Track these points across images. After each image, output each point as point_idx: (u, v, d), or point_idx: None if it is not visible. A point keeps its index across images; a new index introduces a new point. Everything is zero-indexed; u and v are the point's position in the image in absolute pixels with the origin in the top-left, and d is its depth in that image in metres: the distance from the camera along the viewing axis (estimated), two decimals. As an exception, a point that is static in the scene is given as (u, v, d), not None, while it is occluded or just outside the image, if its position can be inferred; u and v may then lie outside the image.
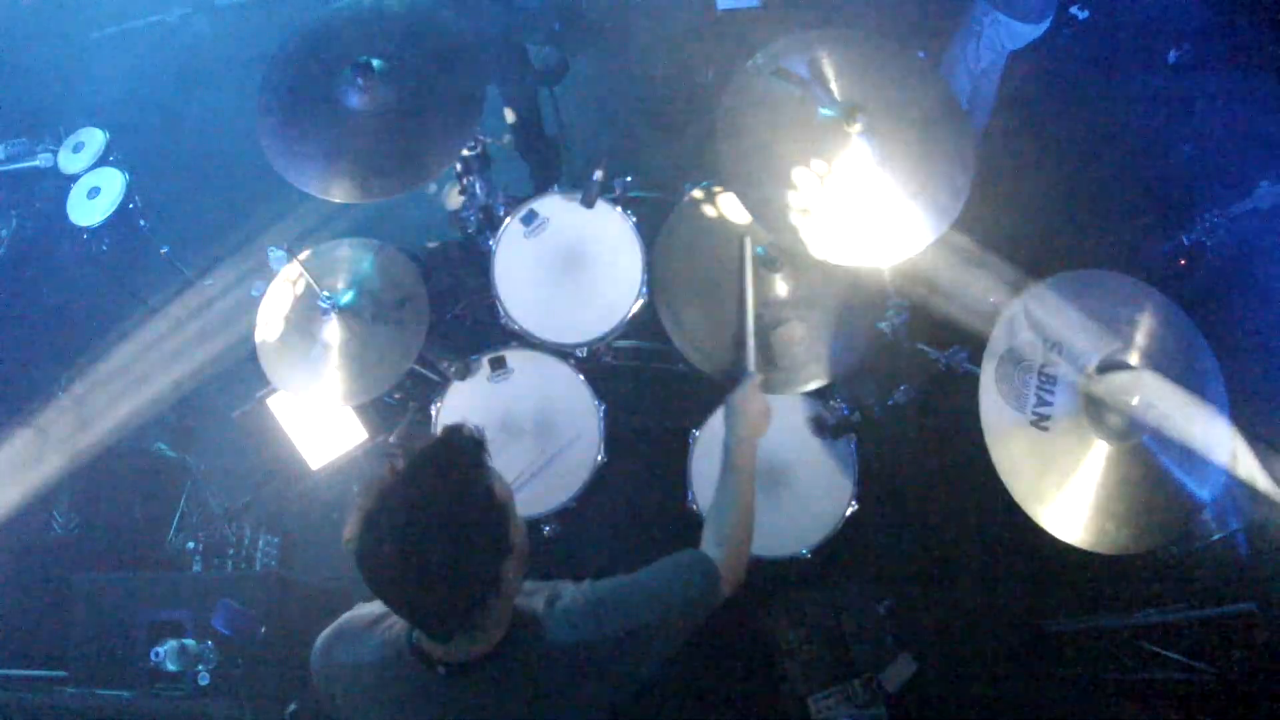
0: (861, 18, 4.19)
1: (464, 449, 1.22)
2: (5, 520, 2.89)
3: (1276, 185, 3.12)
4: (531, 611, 1.36)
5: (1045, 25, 3.12)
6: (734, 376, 2.01)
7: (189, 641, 2.36)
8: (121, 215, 3.27)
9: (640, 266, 2.58)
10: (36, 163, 3.63)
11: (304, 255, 2.48)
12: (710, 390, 2.58)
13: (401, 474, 1.17)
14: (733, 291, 2.37)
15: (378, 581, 1.19)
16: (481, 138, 2.67)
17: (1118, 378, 1.83)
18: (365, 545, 1.16)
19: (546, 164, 3.81)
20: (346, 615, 1.47)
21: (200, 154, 4.24)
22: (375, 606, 1.43)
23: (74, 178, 3.33)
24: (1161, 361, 1.89)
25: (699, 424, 2.56)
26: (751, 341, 2.07)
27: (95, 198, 3.26)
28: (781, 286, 2.37)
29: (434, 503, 1.16)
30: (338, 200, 2.22)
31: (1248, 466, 2.29)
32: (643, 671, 1.40)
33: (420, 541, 1.14)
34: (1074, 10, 3.65)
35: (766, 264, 2.34)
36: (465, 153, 2.63)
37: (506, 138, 3.37)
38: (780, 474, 2.51)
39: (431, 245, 3.88)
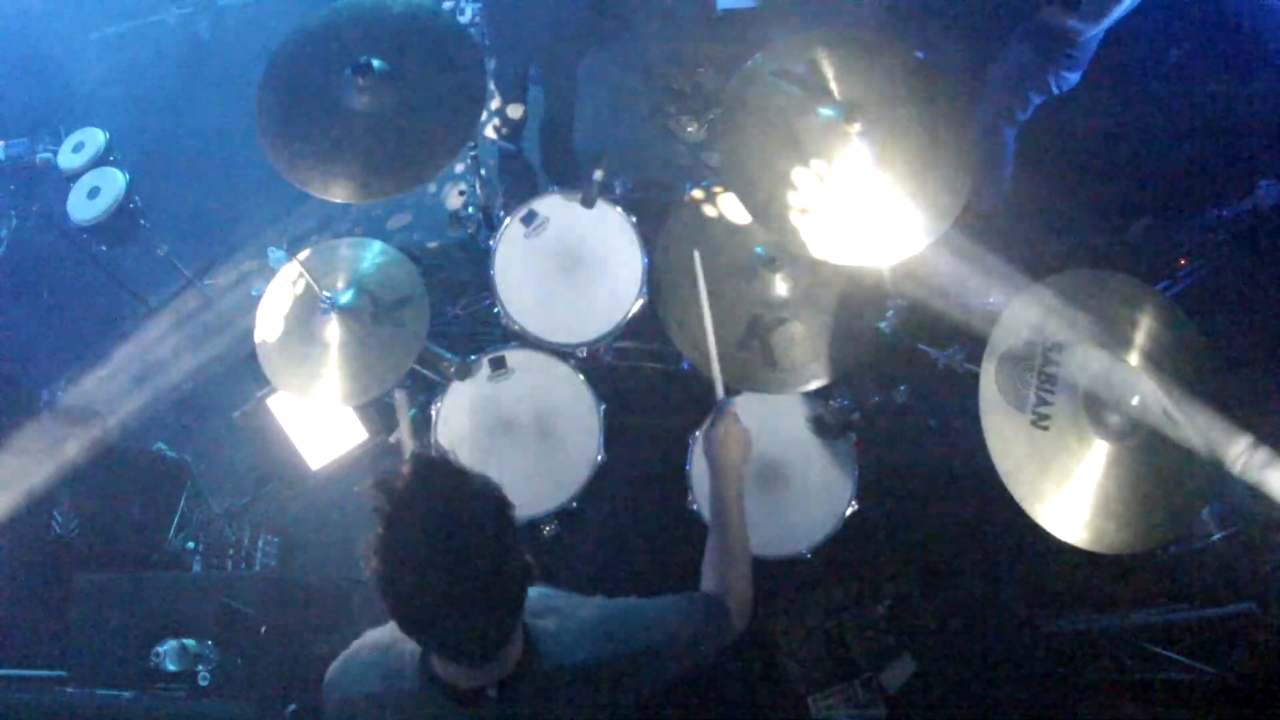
0: (862, 18, 4.19)
1: (440, 466, 1.19)
2: (5, 520, 2.89)
3: (1276, 185, 3.12)
4: (544, 631, 1.35)
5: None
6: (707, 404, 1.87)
7: (189, 641, 2.35)
8: (121, 215, 3.26)
9: (640, 266, 2.58)
10: (36, 163, 3.63)
11: (304, 255, 2.48)
12: (711, 390, 2.58)
13: (398, 513, 1.14)
14: (735, 291, 2.37)
15: (417, 621, 1.17)
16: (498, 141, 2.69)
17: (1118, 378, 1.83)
18: (397, 589, 1.13)
19: (566, 159, 3.82)
20: (354, 647, 1.45)
21: (200, 154, 4.24)
22: (379, 635, 1.41)
23: (74, 178, 3.32)
24: (1161, 361, 1.89)
25: (699, 424, 2.56)
26: (717, 366, 1.91)
27: (95, 197, 3.25)
28: (781, 286, 2.37)
29: (445, 525, 1.14)
30: (338, 200, 2.22)
31: (1248, 466, 2.29)
32: (647, 691, 1.40)
33: (449, 567, 1.11)
34: (1075, 11, 3.65)
35: (766, 264, 2.34)
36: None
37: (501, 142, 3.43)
38: (780, 474, 2.51)
39: (431, 245, 3.89)
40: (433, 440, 2.56)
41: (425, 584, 1.12)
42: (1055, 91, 3.21)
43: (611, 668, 1.36)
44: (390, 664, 1.35)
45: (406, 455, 1.70)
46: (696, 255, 2.04)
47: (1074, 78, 3.15)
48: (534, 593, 1.39)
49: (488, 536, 1.15)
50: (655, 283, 2.52)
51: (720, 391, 1.88)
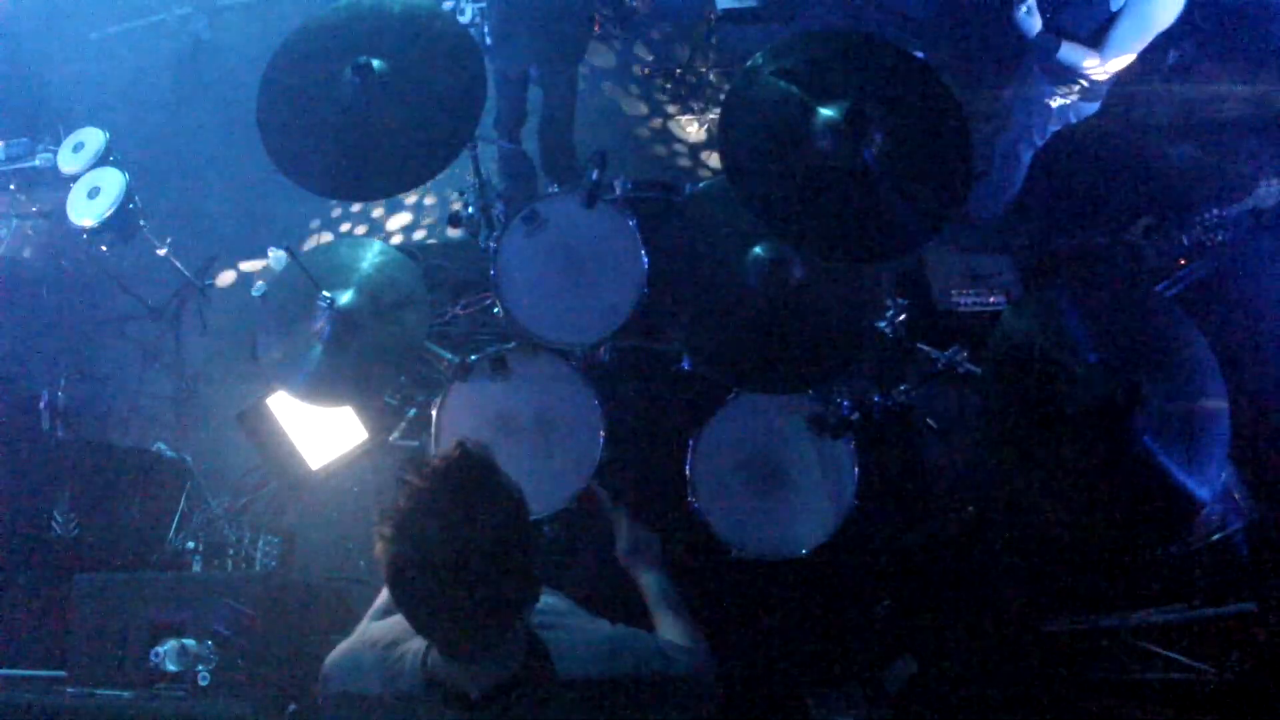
0: (862, 18, 4.20)
1: (479, 458, 1.20)
2: (5, 520, 2.89)
3: (1276, 185, 3.13)
4: (552, 642, 1.35)
5: None
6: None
7: (189, 641, 2.35)
8: (121, 215, 3.27)
9: (640, 266, 2.58)
10: (36, 163, 3.63)
11: (304, 255, 2.48)
12: (710, 390, 2.58)
13: (424, 491, 1.15)
14: (735, 291, 2.37)
15: (415, 603, 1.16)
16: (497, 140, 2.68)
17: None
18: (401, 567, 1.13)
19: (566, 159, 3.82)
20: (352, 642, 1.45)
21: (200, 154, 4.24)
22: (382, 632, 1.41)
23: (74, 178, 3.33)
24: (1162, 361, 1.89)
25: (699, 424, 2.56)
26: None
27: (95, 198, 3.26)
28: (782, 286, 2.37)
29: (466, 514, 1.14)
30: (338, 200, 2.22)
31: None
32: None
33: (459, 555, 1.11)
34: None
35: (767, 264, 2.34)
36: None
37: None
38: (780, 474, 2.51)
39: (431, 245, 3.89)
40: (431, 441, 2.56)
41: (429, 568, 1.12)
42: (1072, 120, 3.24)
43: (615, 687, 1.35)
44: (391, 665, 1.35)
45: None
46: None
47: (1092, 108, 3.18)
48: (547, 601, 1.39)
49: (501, 539, 1.15)
50: (655, 282, 2.52)
51: (608, 503, 1.93)
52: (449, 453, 1.20)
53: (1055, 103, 3.17)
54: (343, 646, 1.45)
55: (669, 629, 1.62)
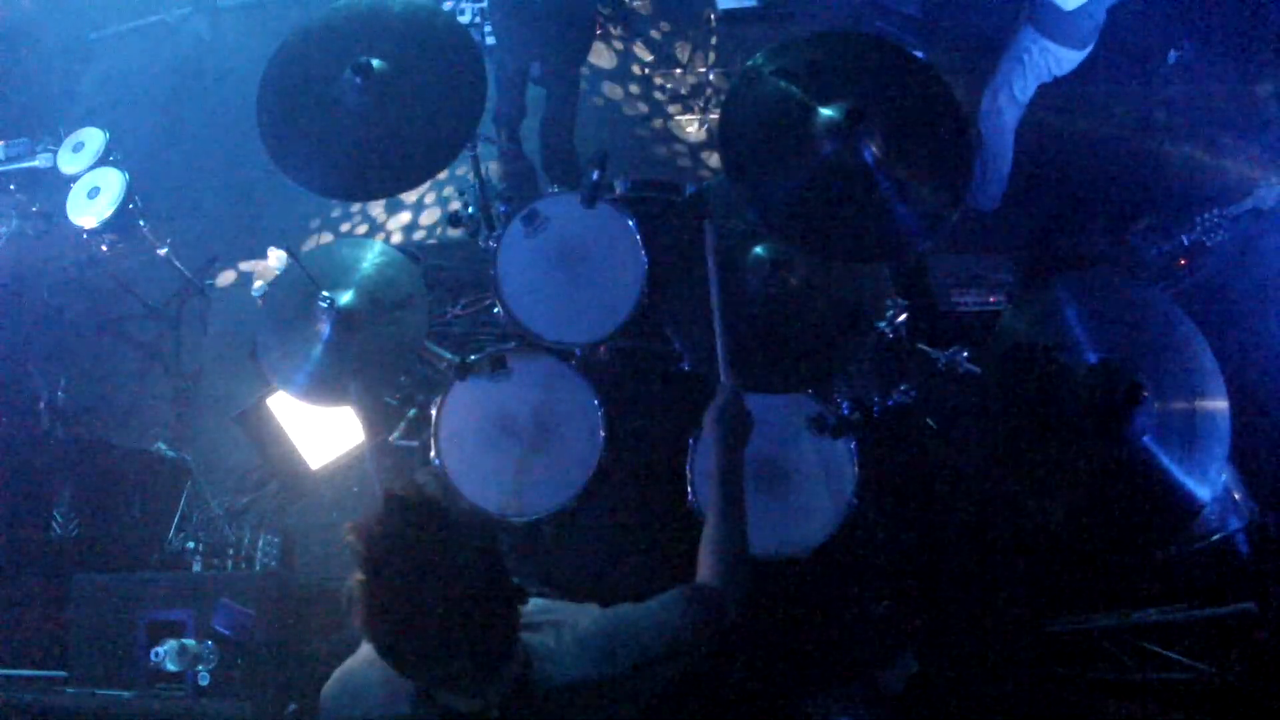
0: (862, 18, 4.20)
1: (418, 505, 1.16)
2: (5, 520, 2.89)
3: (1276, 185, 3.13)
4: (541, 647, 1.33)
5: (1090, 49, 3.13)
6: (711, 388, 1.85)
7: (189, 641, 2.36)
8: (121, 215, 3.27)
9: (640, 266, 2.58)
10: (36, 163, 3.63)
11: (304, 255, 2.48)
12: (711, 390, 2.58)
13: (379, 558, 1.11)
14: (735, 291, 2.37)
15: (408, 663, 1.15)
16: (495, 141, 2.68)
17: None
18: (385, 636, 1.12)
19: (567, 159, 3.82)
20: (349, 664, 1.43)
21: (200, 154, 4.24)
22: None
23: (74, 178, 3.33)
24: (1162, 361, 1.89)
25: (699, 424, 2.55)
26: (723, 346, 1.91)
27: (95, 198, 3.26)
28: (782, 286, 2.37)
29: (429, 566, 1.11)
30: (338, 200, 2.22)
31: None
32: (646, 700, 1.40)
33: (437, 607, 1.10)
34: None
35: (767, 264, 2.34)
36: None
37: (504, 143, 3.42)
38: (780, 474, 2.51)
39: (431, 245, 3.90)
40: (431, 442, 2.56)
41: (412, 628, 1.10)
42: (1054, 70, 3.19)
43: (610, 684, 1.34)
44: (387, 686, 1.32)
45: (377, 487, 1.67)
46: (708, 227, 2.01)
47: (1068, 56, 3.13)
48: (530, 604, 1.37)
49: (473, 571, 1.14)
50: (655, 282, 2.53)
51: (724, 373, 1.87)
52: (383, 513, 1.14)
53: (1035, 50, 3.13)
54: (340, 671, 1.43)
55: (706, 563, 1.56)
